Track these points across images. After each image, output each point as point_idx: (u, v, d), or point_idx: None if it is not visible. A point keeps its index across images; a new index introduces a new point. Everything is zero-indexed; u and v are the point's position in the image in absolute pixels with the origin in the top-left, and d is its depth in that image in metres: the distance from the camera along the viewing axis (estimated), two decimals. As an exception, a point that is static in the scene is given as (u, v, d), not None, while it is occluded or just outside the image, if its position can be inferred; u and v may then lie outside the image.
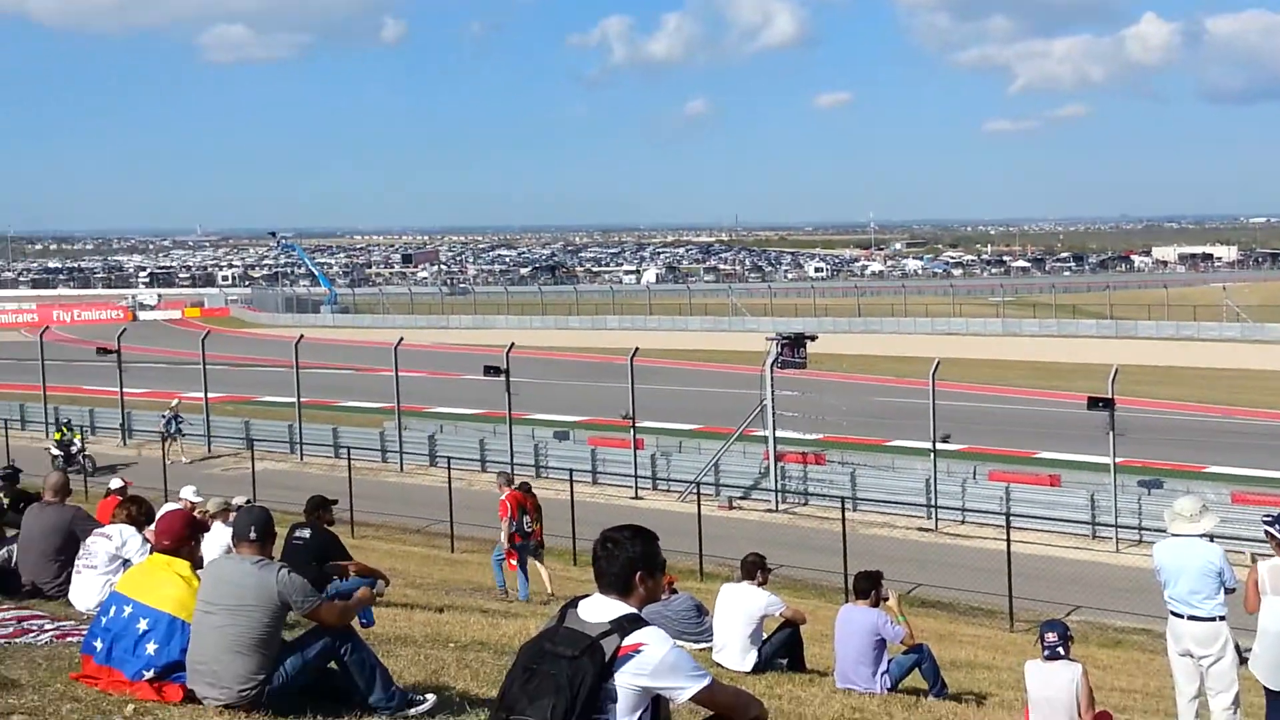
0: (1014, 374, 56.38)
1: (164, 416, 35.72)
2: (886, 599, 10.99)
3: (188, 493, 14.11)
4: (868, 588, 10.87)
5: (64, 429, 34.30)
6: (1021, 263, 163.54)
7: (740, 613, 11.12)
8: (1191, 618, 8.96)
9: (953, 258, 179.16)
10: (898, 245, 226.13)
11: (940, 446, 28.71)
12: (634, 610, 4.25)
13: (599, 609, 4.24)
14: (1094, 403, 26.73)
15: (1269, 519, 8.90)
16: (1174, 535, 9.23)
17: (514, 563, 17.88)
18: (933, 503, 27.85)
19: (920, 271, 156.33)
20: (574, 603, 4.33)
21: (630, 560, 4.28)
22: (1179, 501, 9.45)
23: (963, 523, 27.61)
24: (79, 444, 33.51)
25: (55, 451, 32.81)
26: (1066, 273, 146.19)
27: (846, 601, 19.66)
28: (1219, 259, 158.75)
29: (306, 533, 11.33)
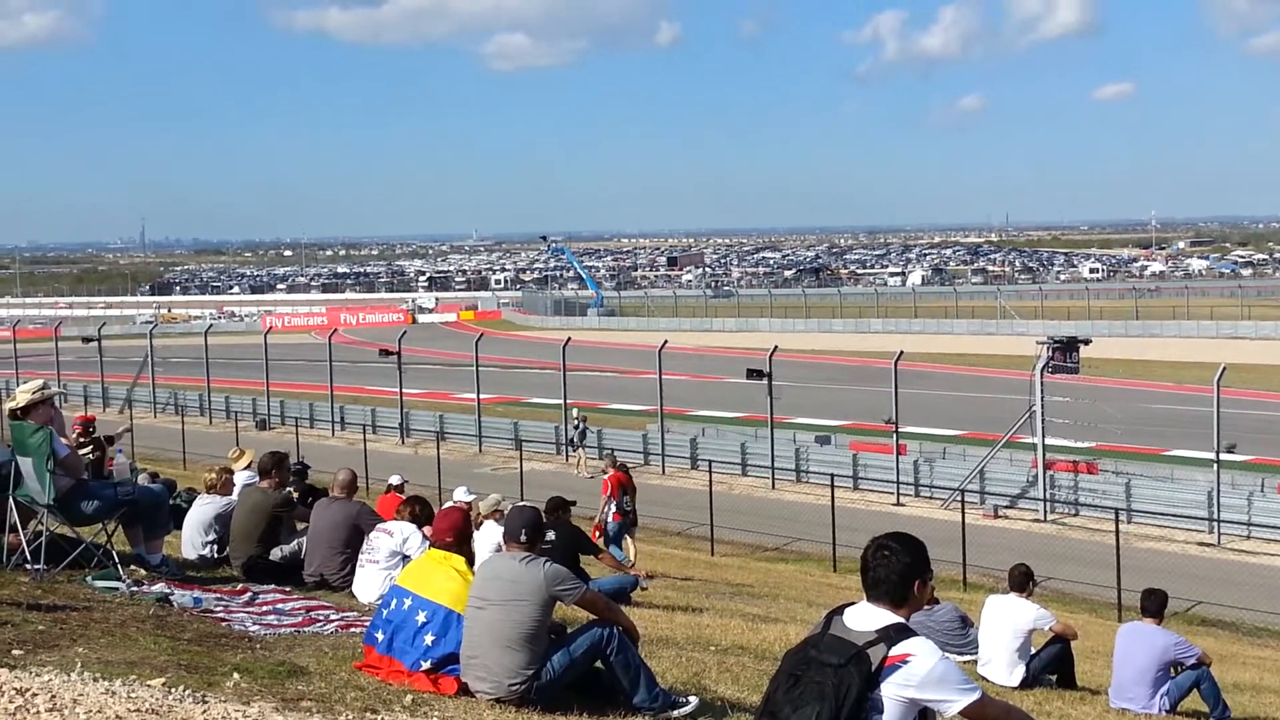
0: (1309, 381, 52.94)
1: (575, 426, 35.05)
2: None
3: (460, 493, 14.69)
4: (1158, 610, 10.41)
5: None
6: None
7: (1008, 625, 10.83)
8: None
9: (1242, 256, 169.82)
10: (1181, 244, 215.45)
11: (1224, 457, 27.30)
12: (901, 619, 4.15)
13: (866, 617, 4.16)
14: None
15: None
16: None
17: (598, 535, 18.80)
18: (1215, 516, 26.48)
19: (1205, 271, 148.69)
20: (840, 610, 4.26)
21: (908, 567, 4.18)
22: None
23: (1248, 538, 26.17)
24: None
25: None
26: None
27: (1122, 618, 19.02)
28: None
29: (551, 534, 11.62)
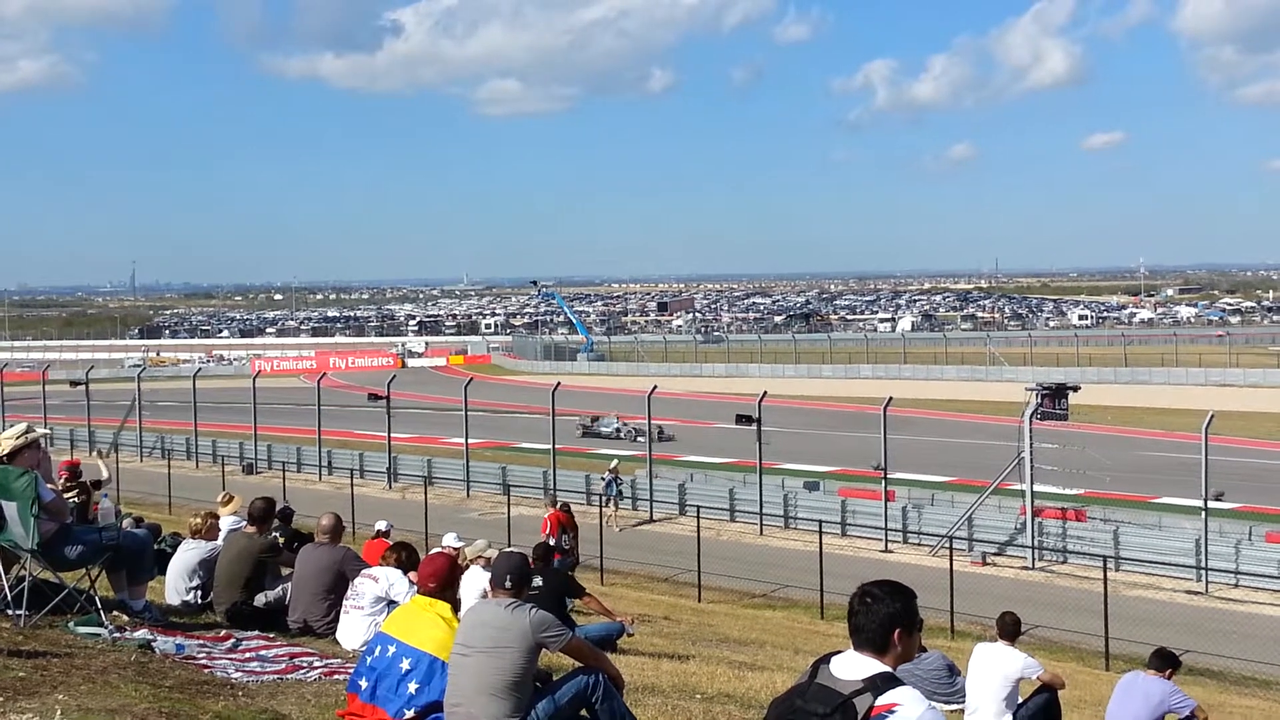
0: (1297, 428, 53.14)
1: (604, 479, 34.56)
2: None
3: (450, 539, 14.67)
4: (1163, 666, 10.41)
5: None
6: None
7: (996, 674, 10.79)
8: None
9: (1230, 304, 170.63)
10: (1169, 291, 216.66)
11: (1212, 504, 27.33)
12: (888, 669, 4.10)
13: (852, 666, 4.12)
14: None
15: None
16: None
17: None
18: (1203, 564, 26.46)
19: (1194, 319, 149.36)
20: (826, 659, 4.22)
21: (890, 616, 4.14)
22: None
23: (1236, 586, 26.15)
24: None
25: None
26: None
27: (1109, 667, 18.96)
28: None
29: (538, 581, 11.59)
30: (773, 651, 16.15)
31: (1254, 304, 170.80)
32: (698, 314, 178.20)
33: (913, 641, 4.21)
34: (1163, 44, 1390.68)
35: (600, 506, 32.80)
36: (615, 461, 35.54)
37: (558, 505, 23.19)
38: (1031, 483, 29.64)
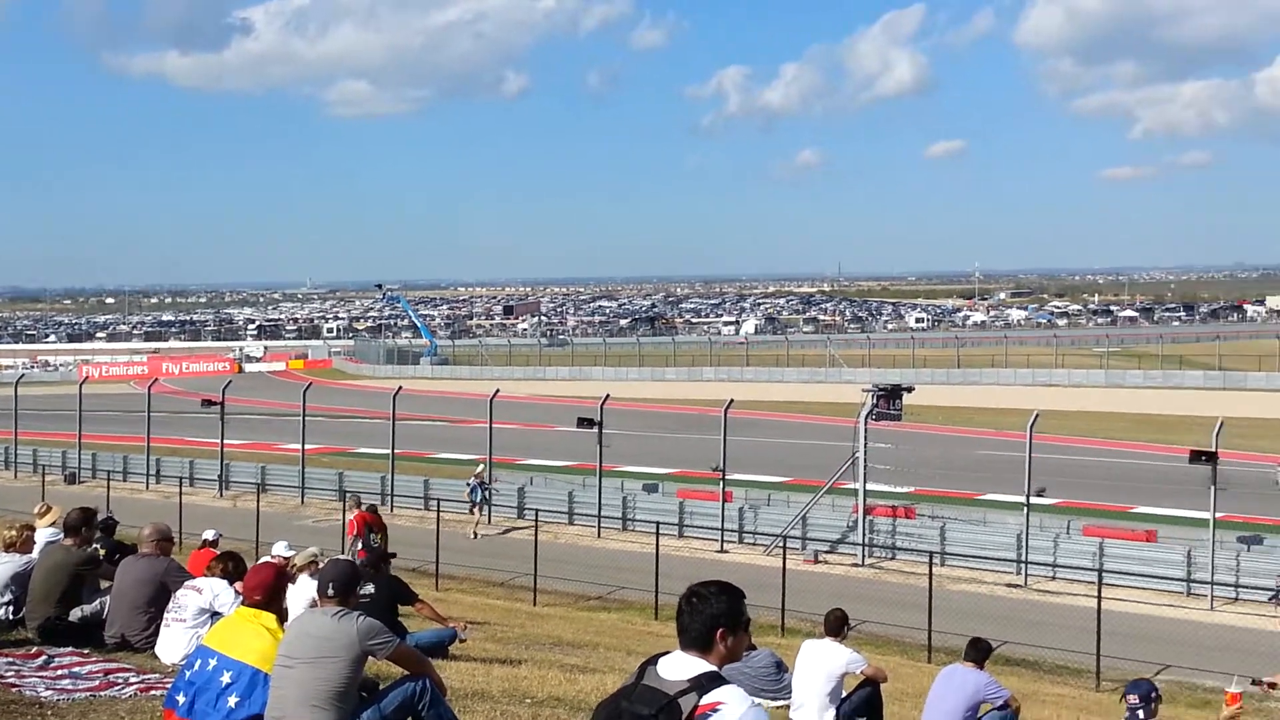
0: (1116, 427, 55.45)
1: (469, 484, 33.90)
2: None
3: (280, 547, 14.46)
4: (979, 657, 10.79)
5: None
6: (1129, 312, 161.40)
7: (821, 670, 11.03)
8: None
9: (1058, 308, 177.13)
10: (1002, 295, 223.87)
11: (1034, 500, 28.29)
12: (714, 668, 4.19)
13: (678, 666, 4.20)
14: (1196, 456, 25.85)
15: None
16: None
17: None
18: (1023, 558, 27.39)
19: (1024, 322, 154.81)
20: (654, 660, 4.30)
21: (713, 616, 4.23)
22: None
23: (1053, 579, 27.05)
24: None
25: None
26: (1175, 323, 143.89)
27: (931, 659, 19.52)
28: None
29: (370, 588, 11.53)
30: (605, 654, 16.26)
31: (1080, 307, 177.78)
32: (543, 317, 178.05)
33: (739, 640, 4.29)
34: (1005, 55, 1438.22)
35: (471, 512, 33.02)
36: (480, 466, 35.29)
37: (362, 506, 23.79)
38: (864, 481, 30.29)
